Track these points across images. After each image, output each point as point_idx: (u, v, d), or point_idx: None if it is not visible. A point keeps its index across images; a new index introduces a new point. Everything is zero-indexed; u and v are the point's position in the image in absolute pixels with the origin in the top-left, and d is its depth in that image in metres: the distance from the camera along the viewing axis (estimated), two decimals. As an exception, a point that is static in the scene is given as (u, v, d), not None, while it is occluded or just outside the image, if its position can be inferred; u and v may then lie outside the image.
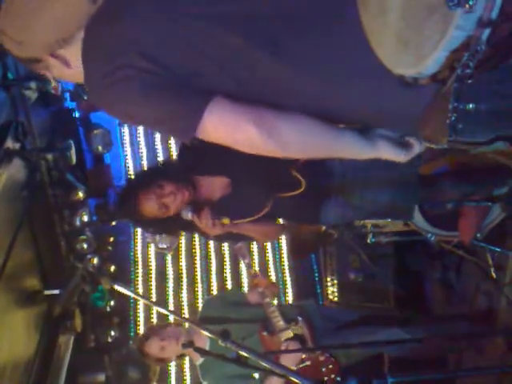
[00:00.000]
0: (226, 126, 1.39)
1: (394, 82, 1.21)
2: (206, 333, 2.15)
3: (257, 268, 4.95)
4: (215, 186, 2.64)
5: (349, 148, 1.49)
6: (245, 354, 1.99)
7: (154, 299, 4.91)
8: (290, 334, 3.23)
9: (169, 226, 2.68)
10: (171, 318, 4.85)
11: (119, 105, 1.43)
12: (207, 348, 3.26)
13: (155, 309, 4.88)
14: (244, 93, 1.41)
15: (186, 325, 4.68)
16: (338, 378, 3.12)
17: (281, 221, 3.12)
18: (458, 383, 3.85)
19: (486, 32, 0.97)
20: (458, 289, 4.02)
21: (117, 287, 1.82)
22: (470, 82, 1.02)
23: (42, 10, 1.43)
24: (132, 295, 1.70)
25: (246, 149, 1.42)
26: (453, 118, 1.07)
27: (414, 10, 1.06)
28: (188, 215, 2.58)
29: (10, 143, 3.17)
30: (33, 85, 3.33)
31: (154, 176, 2.62)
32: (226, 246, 5.05)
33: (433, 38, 1.02)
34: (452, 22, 0.98)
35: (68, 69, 1.51)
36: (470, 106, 1.08)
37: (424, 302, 4.34)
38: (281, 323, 3.24)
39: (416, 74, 1.12)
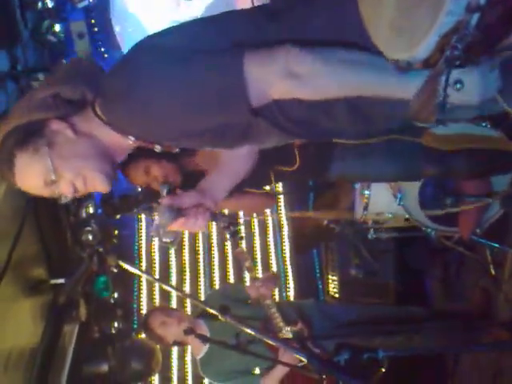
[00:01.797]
0: (264, 57, 1.34)
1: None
2: (207, 308, 2.20)
3: (259, 265, 5.01)
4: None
5: (381, 84, 1.33)
6: (246, 330, 2.01)
7: (157, 292, 4.98)
8: (288, 334, 3.28)
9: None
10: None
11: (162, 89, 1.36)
12: (206, 345, 3.33)
13: (158, 301, 4.96)
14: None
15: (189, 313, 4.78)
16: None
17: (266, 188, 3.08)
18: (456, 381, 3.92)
19: (475, 17, 1.02)
20: (458, 285, 4.05)
21: (122, 264, 1.87)
22: (458, 63, 1.07)
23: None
24: (137, 272, 1.74)
25: (287, 76, 1.33)
26: (441, 98, 1.12)
27: (407, -4, 1.12)
28: (164, 192, 2.60)
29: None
30: (41, 76, 3.39)
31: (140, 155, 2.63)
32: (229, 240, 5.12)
33: (424, 23, 1.08)
34: (442, 8, 1.03)
35: (73, 140, 1.49)
36: (458, 86, 1.13)
37: (424, 298, 4.38)
38: (280, 324, 3.30)
39: (409, 59, 1.17)
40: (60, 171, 1.50)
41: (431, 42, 1.08)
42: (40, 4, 4.14)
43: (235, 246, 3.52)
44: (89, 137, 1.51)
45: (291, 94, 1.36)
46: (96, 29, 5.07)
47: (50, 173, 1.49)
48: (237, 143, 1.59)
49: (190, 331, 3.12)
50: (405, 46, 1.16)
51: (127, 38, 5.36)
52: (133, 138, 1.52)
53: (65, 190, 1.53)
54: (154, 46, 1.42)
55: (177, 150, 1.63)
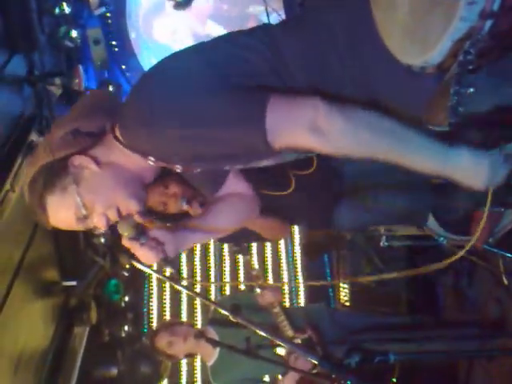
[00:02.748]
0: (290, 105, 1.34)
1: (403, 70, 1.26)
2: (217, 308, 2.19)
3: (270, 272, 5.01)
4: None
5: (422, 148, 1.32)
6: (257, 331, 2.00)
7: (167, 296, 4.99)
8: (298, 342, 3.27)
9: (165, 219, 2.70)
10: (184, 316, 4.95)
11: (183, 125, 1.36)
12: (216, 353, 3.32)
13: (168, 306, 4.97)
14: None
15: (198, 324, 4.78)
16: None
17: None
18: None
19: (488, 23, 1.03)
20: (470, 295, 4.02)
21: (134, 263, 1.86)
22: (471, 68, 1.07)
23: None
24: (149, 271, 1.73)
25: (311, 133, 1.33)
26: (454, 101, 1.12)
27: (420, 2, 1.12)
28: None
29: (34, 136, 3.27)
30: (57, 81, 3.43)
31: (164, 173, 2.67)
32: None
33: (437, 29, 1.08)
34: (456, 14, 1.04)
35: (98, 172, 1.49)
36: (471, 90, 1.13)
37: (436, 308, 4.35)
38: (289, 332, 3.28)
39: (422, 64, 1.18)
40: (91, 206, 1.50)
41: (444, 48, 1.09)
42: (57, 10, 4.20)
43: (244, 254, 3.50)
44: (112, 166, 1.52)
45: (310, 148, 1.36)
46: (112, 35, 5.12)
47: (81, 209, 1.49)
48: (251, 163, 1.61)
49: (200, 335, 3.12)
50: (418, 51, 1.17)
51: (142, 44, 5.41)
52: (153, 159, 1.52)
53: (98, 223, 1.53)
54: (177, 69, 1.43)
55: (198, 170, 1.62)
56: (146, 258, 1.59)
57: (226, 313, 1.90)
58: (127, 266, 4.67)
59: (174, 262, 1.68)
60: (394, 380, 3.81)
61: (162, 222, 1.67)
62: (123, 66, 5.25)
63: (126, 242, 1.58)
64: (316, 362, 1.51)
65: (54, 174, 1.48)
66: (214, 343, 3.07)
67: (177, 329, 3.34)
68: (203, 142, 1.38)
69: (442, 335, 3.41)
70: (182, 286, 1.79)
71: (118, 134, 1.49)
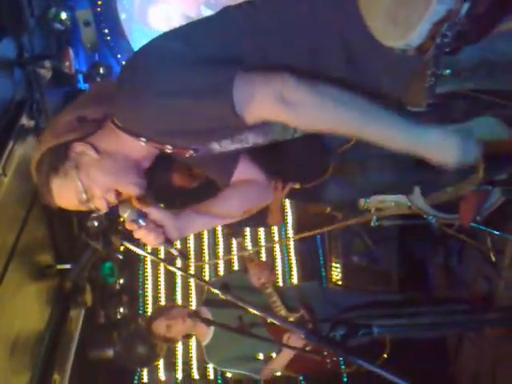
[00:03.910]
0: (259, 78, 1.38)
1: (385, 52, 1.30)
2: (208, 286, 2.24)
3: (263, 252, 5.06)
4: None
5: (392, 124, 1.33)
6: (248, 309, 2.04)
7: (162, 278, 5.03)
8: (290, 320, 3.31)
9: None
10: (178, 298, 4.99)
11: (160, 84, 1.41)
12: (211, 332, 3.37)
13: (163, 287, 5.01)
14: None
15: (193, 306, 4.83)
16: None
17: None
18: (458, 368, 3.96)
19: (465, 6, 1.06)
20: (459, 272, 4.09)
21: (127, 244, 1.90)
22: (447, 50, 1.11)
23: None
24: (141, 253, 1.77)
25: (279, 105, 1.37)
26: (431, 83, 1.15)
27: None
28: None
29: (25, 120, 3.27)
30: (47, 63, 3.42)
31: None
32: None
33: (417, 12, 1.11)
34: (434, -3, 1.07)
35: (97, 158, 1.55)
36: (448, 71, 1.17)
37: (426, 285, 4.42)
38: (282, 312, 3.33)
39: (403, 46, 1.21)
40: (91, 190, 1.57)
41: (423, 30, 1.12)
42: (46, -8, 4.17)
43: (238, 237, 3.53)
44: (111, 153, 1.58)
45: (276, 117, 1.40)
46: (102, 17, 5.09)
47: (82, 193, 1.56)
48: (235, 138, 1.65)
49: (193, 314, 3.17)
50: (400, 33, 1.21)
51: (133, 26, 5.39)
52: (144, 139, 1.56)
53: (99, 206, 1.61)
54: (158, 46, 1.50)
55: (190, 153, 1.65)
56: (145, 240, 1.63)
57: (216, 291, 1.94)
58: (121, 249, 4.70)
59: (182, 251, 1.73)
60: (385, 355, 3.89)
61: (164, 206, 1.70)
62: (113, 48, 5.22)
63: (127, 224, 1.63)
64: (304, 337, 1.55)
65: (58, 158, 1.55)
66: (208, 322, 3.12)
67: (172, 312, 3.38)
68: (177, 113, 1.43)
69: (432, 311, 3.47)
70: (176, 267, 1.84)
71: (114, 118, 1.56)
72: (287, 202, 5.09)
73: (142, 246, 4.65)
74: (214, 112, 1.40)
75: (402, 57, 1.24)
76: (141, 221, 1.60)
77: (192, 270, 5.01)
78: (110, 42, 5.24)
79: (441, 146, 1.34)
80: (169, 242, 1.65)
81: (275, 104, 1.36)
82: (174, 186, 3.08)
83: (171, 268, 1.80)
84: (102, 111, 1.57)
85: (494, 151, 2.28)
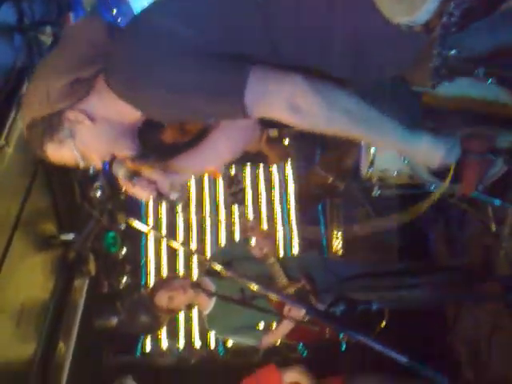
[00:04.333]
0: (271, 80, 1.39)
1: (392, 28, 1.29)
2: (214, 266, 2.27)
3: (264, 221, 5.08)
4: None
5: (390, 129, 1.45)
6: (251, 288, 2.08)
7: (164, 248, 5.06)
8: (291, 292, 3.35)
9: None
10: (180, 267, 5.04)
11: (161, 87, 1.41)
12: (213, 302, 3.40)
13: (165, 257, 5.04)
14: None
15: (194, 276, 4.87)
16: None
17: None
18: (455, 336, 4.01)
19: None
20: (460, 241, 4.12)
21: (131, 221, 1.94)
22: (454, 30, 1.11)
23: (55, 61, 1.54)
24: (145, 229, 1.82)
25: (289, 109, 1.40)
26: (436, 63, 1.16)
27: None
28: None
29: (26, 88, 3.23)
30: (48, 29, 3.37)
31: None
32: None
33: None
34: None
35: (92, 126, 1.55)
36: (453, 51, 1.17)
37: (426, 254, 4.45)
38: (284, 281, 3.36)
39: (410, 23, 1.22)
40: (87, 156, 1.60)
41: (430, 8, 1.13)
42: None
43: (239, 204, 3.54)
44: (106, 119, 1.57)
45: (284, 121, 1.43)
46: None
47: (79, 159, 1.59)
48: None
49: (196, 286, 3.20)
50: (406, 10, 1.21)
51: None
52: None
53: (95, 166, 1.66)
54: (163, 31, 1.45)
55: None
56: (139, 196, 1.70)
57: (218, 267, 1.97)
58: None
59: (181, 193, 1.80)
60: (383, 325, 3.94)
61: (154, 162, 1.74)
62: (114, 11, 5.14)
63: (121, 182, 1.69)
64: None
65: (52, 127, 1.54)
66: (210, 294, 3.15)
67: (174, 283, 3.41)
68: (182, 108, 1.47)
69: (431, 281, 3.50)
70: (177, 243, 1.87)
71: (110, 84, 1.52)
72: (290, 174, 5.11)
73: (145, 221, 4.64)
74: (223, 111, 1.44)
75: (409, 35, 1.25)
76: (134, 179, 1.66)
77: (194, 243, 5.06)
78: (111, 5, 5.15)
79: (429, 155, 1.53)
80: (161, 195, 1.73)
81: (285, 110, 1.39)
82: (165, 142, 3.08)
83: (174, 244, 1.84)
84: (95, 70, 1.53)
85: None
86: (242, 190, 3.45)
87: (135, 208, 5.15)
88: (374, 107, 1.41)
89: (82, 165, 1.61)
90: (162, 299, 3.38)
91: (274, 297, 2.00)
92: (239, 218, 4.98)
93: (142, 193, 1.68)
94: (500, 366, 3.55)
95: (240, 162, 4.70)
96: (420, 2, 1.15)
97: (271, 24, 1.45)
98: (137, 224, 1.83)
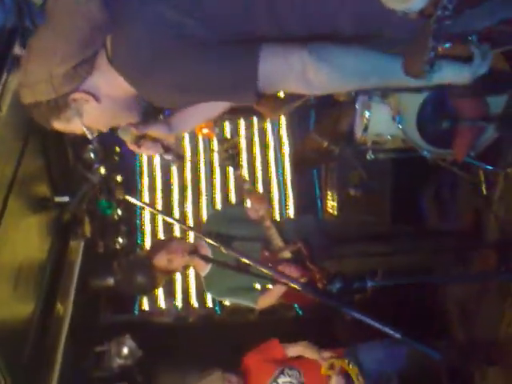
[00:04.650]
0: (280, 61, 1.44)
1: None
2: (208, 240, 2.31)
3: (259, 182, 5.11)
4: None
5: (396, 73, 1.44)
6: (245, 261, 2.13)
7: (159, 209, 5.09)
8: (287, 254, 3.40)
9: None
10: (176, 230, 5.08)
11: (173, 76, 1.46)
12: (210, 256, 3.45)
13: (161, 218, 5.09)
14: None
15: (190, 238, 4.92)
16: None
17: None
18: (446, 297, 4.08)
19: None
20: (450, 204, 4.16)
21: (129, 198, 2.05)
22: (448, 23, 1.12)
23: (54, 43, 1.49)
24: (143, 206, 1.91)
25: (302, 83, 1.46)
26: (431, 55, 1.19)
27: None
28: None
29: (17, 50, 3.20)
30: (39, -9, 3.32)
31: None
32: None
33: None
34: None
35: (98, 105, 1.55)
36: (447, 45, 1.19)
37: (418, 216, 4.50)
38: (280, 244, 3.40)
39: (405, 9, 1.25)
40: (94, 129, 1.66)
41: None
42: None
43: (235, 168, 3.55)
44: (111, 97, 1.58)
45: (299, 92, 1.53)
46: None
47: (87, 133, 1.63)
48: None
49: (193, 251, 3.24)
50: None
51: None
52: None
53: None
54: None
55: None
56: (146, 154, 1.98)
57: (212, 242, 2.01)
58: (118, 180, 4.74)
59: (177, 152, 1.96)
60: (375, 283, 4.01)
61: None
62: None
63: (129, 145, 1.85)
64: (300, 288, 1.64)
65: (58, 108, 1.54)
66: (207, 260, 3.20)
67: (172, 245, 3.45)
68: (192, 98, 1.59)
69: (422, 247, 3.55)
70: (174, 219, 1.95)
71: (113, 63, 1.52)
72: (285, 136, 5.12)
73: (140, 181, 4.62)
74: (237, 99, 1.55)
75: (405, 21, 1.27)
76: (140, 141, 1.82)
77: (189, 202, 5.09)
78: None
79: (453, 76, 1.49)
80: (168, 150, 1.90)
81: (299, 85, 1.48)
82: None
83: (168, 219, 1.93)
84: (96, 48, 1.51)
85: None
86: (238, 154, 3.44)
87: (130, 167, 5.16)
88: (378, 52, 1.45)
89: (90, 137, 1.66)
90: (160, 260, 3.42)
91: (267, 272, 2.06)
92: (235, 180, 5.00)
93: (148, 152, 1.86)
94: (488, 326, 3.63)
95: (232, 115, 4.69)
96: None
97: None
98: (134, 201, 1.93)
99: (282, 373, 3.25)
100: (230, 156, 3.36)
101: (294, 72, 1.43)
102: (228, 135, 4.96)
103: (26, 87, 1.53)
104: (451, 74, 1.46)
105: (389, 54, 1.43)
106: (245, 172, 5.06)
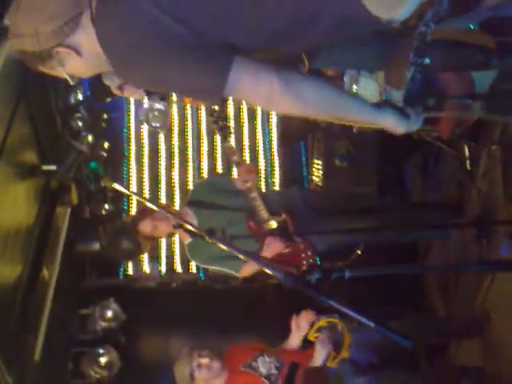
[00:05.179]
0: (250, 80, 1.53)
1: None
2: (191, 228, 2.34)
3: (246, 152, 5.13)
4: None
5: (358, 112, 1.65)
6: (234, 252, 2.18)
7: (146, 176, 5.10)
8: (273, 225, 3.43)
9: None
10: (163, 198, 5.10)
11: (148, 69, 1.56)
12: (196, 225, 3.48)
13: (147, 186, 5.10)
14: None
15: (177, 204, 4.95)
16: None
17: None
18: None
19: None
20: (436, 177, 4.23)
21: (116, 186, 2.08)
22: (428, 39, 1.16)
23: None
24: (129, 193, 1.96)
25: (266, 103, 1.60)
26: (412, 71, 1.24)
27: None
28: None
29: (7, 21, 3.17)
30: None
31: None
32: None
33: None
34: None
35: (80, 58, 1.62)
36: (427, 60, 1.24)
37: (404, 188, 4.58)
38: (265, 215, 3.44)
39: (391, 19, 1.31)
40: (76, 77, 1.73)
41: (410, 8, 1.19)
42: None
43: (224, 139, 3.55)
44: (93, 52, 1.62)
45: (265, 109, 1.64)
46: None
47: (69, 80, 1.70)
48: None
49: (178, 226, 3.27)
50: (387, 7, 1.29)
51: None
52: None
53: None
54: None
55: None
56: (133, 98, 2.04)
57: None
58: (106, 147, 4.74)
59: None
60: (359, 252, 4.10)
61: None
62: None
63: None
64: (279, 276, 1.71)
65: (42, 59, 1.62)
66: (192, 234, 3.22)
67: (158, 214, 3.48)
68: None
69: (406, 220, 3.61)
70: (160, 206, 2.01)
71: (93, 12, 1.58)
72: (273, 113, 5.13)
73: (127, 148, 4.61)
74: (201, 101, 1.64)
75: (389, 31, 1.31)
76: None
77: (176, 170, 5.10)
78: None
79: (395, 126, 1.74)
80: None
81: (261, 104, 1.66)
82: None
83: (154, 207, 2.04)
84: (81, 8, 1.57)
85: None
86: (227, 126, 3.45)
87: (117, 134, 5.14)
88: (343, 93, 1.66)
89: (72, 83, 1.73)
90: (146, 226, 3.43)
91: (251, 261, 2.15)
92: (223, 150, 5.00)
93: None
94: (466, 297, 3.73)
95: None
96: (400, 1, 1.20)
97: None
98: (121, 188, 1.97)
99: (261, 355, 3.32)
100: (219, 127, 3.37)
101: (260, 93, 1.55)
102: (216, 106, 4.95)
103: (13, 37, 1.61)
104: (391, 120, 1.69)
105: (351, 94, 1.66)
106: (232, 141, 5.06)
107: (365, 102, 1.67)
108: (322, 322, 3.33)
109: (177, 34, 1.50)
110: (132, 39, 1.51)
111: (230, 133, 3.52)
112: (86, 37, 1.59)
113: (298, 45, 1.65)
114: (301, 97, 1.55)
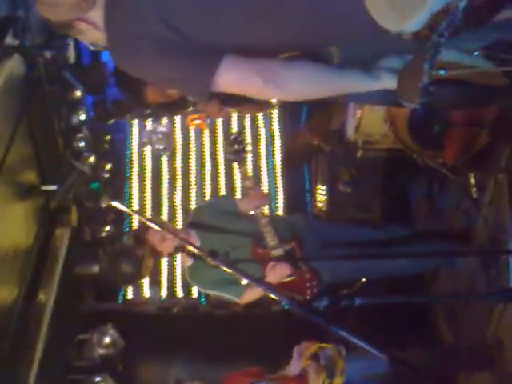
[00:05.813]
0: (236, 83, 1.63)
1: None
2: (195, 250, 2.29)
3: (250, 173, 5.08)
4: None
5: (352, 84, 1.63)
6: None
7: (148, 199, 5.06)
8: (280, 252, 3.38)
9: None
10: (164, 217, 5.05)
11: (141, 65, 1.71)
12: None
13: (149, 207, 5.05)
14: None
15: (179, 225, 4.88)
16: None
17: None
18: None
19: (464, 2, 1.06)
20: (440, 204, 4.16)
21: (115, 204, 2.04)
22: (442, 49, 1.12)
23: None
24: (129, 212, 1.94)
25: (259, 97, 1.75)
26: (425, 82, 1.20)
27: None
28: None
29: (9, 39, 3.19)
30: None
31: None
32: (220, 150, 5.15)
33: (417, 2, 1.12)
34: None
35: (98, 32, 1.76)
36: (442, 72, 1.20)
37: (408, 215, 4.51)
38: (273, 243, 3.37)
39: (400, 31, 1.28)
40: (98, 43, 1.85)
41: (422, 19, 1.16)
42: None
43: (240, 163, 3.52)
44: None
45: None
46: None
47: (90, 46, 1.87)
48: None
49: (181, 249, 3.22)
50: (397, 19, 1.26)
51: None
52: None
53: None
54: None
55: None
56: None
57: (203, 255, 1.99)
58: (108, 168, 4.70)
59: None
60: (364, 280, 4.02)
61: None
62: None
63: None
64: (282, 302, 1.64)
65: (62, 27, 1.80)
66: (195, 256, 3.17)
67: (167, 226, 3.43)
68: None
69: (411, 252, 3.54)
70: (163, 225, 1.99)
71: None
72: (276, 129, 5.10)
73: (129, 169, 4.59)
74: (189, 96, 1.70)
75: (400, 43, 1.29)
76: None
77: (178, 193, 5.05)
78: None
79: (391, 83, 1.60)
80: None
81: (257, 95, 1.76)
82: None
83: (156, 227, 2.00)
84: None
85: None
86: (244, 150, 3.43)
87: (120, 155, 5.12)
88: (334, 72, 1.62)
89: (92, 48, 1.90)
90: (154, 236, 3.35)
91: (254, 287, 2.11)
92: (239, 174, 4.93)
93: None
94: (476, 327, 3.63)
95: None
96: (411, 13, 1.17)
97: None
98: (121, 207, 1.95)
99: (257, 382, 3.26)
100: (235, 151, 3.34)
101: (249, 92, 1.70)
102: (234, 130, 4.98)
103: (39, 3, 1.76)
104: (388, 79, 1.59)
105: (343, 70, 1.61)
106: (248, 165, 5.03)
107: (359, 73, 1.62)
108: (314, 347, 3.28)
109: (168, 34, 1.62)
110: (133, 32, 1.65)
111: (246, 157, 3.49)
112: (101, 14, 1.73)
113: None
114: (290, 91, 1.62)
